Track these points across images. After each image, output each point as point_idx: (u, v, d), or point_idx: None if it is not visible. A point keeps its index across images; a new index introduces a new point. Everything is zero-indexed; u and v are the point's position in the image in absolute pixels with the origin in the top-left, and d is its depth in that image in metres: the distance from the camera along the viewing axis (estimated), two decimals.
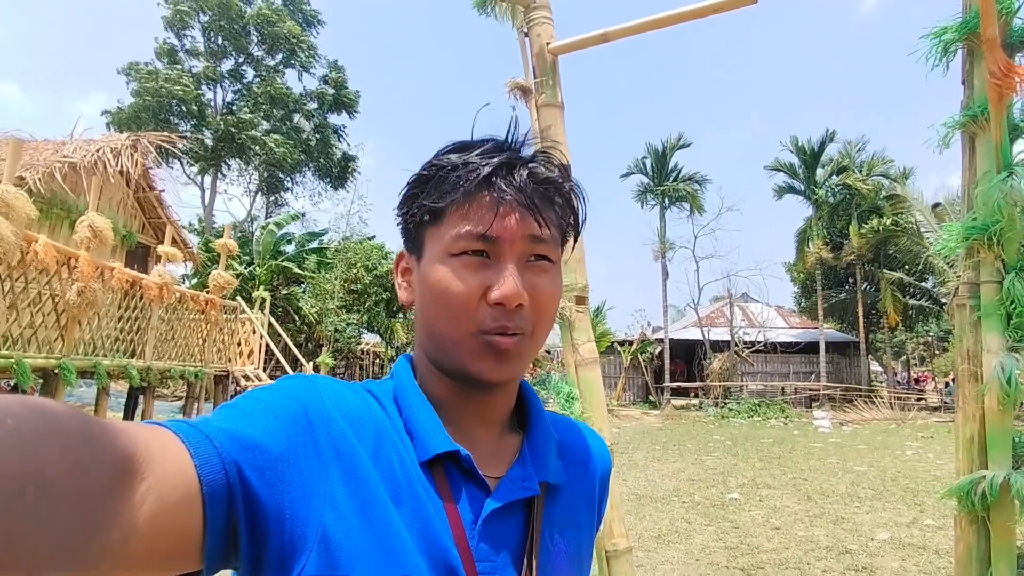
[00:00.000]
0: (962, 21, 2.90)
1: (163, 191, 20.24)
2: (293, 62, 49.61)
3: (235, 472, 0.74)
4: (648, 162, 40.03)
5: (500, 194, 0.97)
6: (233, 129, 44.55)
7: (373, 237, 33.81)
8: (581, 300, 3.66)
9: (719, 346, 38.29)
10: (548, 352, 31.96)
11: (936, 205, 30.02)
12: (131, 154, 17.40)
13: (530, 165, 1.02)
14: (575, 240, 1.13)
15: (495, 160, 0.99)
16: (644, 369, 38.44)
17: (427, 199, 1.00)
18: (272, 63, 49.31)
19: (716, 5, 3.16)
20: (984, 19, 2.52)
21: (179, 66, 46.17)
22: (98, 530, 0.58)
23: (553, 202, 1.03)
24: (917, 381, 48.20)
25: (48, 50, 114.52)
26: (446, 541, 0.89)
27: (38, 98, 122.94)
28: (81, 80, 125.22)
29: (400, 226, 1.09)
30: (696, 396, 36.96)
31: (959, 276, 3.00)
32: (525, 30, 3.97)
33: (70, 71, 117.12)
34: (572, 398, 3.51)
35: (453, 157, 1.01)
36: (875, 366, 48.01)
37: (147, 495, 0.63)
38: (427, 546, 0.87)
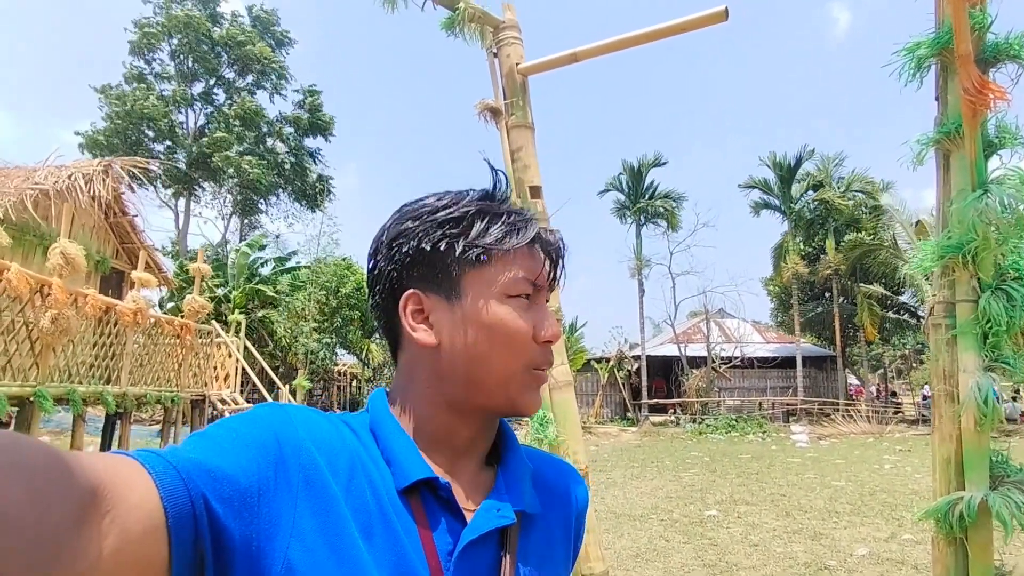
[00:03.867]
0: (935, 37, 2.88)
1: (136, 216, 20.16)
2: (265, 83, 49.58)
3: (202, 503, 0.73)
4: (624, 179, 40.14)
5: (547, 248, 1.10)
6: (206, 150, 44.47)
7: (347, 258, 33.68)
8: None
9: (696, 362, 38.36)
10: None
11: (917, 223, 30.26)
12: (103, 179, 17.30)
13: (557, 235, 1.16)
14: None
15: (529, 218, 1.11)
16: (621, 386, 38.42)
17: (475, 240, 1.03)
18: (243, 84, 49.25)
19: (683, 24, 3.16)
20: (957, 35, 2.51)
21: (148, 88, 46.04)
22: (62, 563, 0.56)
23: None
24: (894, 394, 48.35)
25: (35, 77, 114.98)
26: (421, 573, 0.88)
27: (23, 124, 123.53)
28: (67, 108, 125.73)
29: (416, 263, 1.06)
30: (674, 412, 36.90)
31: (934, 295, 2.98)
32: (495, 51, 3.95)
33: (56, 99, 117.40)
34: (546, 421, 3.47)
35: (499, 208, 1.08)
36: (852, 380, 48.21)
37: (111, 528, 0.62)
38: None
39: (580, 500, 1.24)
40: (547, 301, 1.12)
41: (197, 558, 0.73)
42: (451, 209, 1.05)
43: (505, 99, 3.87)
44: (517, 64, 3.83)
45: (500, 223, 1.05)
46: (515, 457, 1.12)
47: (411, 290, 1.07)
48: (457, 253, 1.03)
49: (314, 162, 51.33)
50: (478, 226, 1.04)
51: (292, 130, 49.83)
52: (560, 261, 1.12)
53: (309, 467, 0.87)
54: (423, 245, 1.04)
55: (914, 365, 49.79)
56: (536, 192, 3.82)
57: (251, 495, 0.79)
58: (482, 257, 1.03)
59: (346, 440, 0.96)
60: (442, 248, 1.04)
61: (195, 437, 0.83)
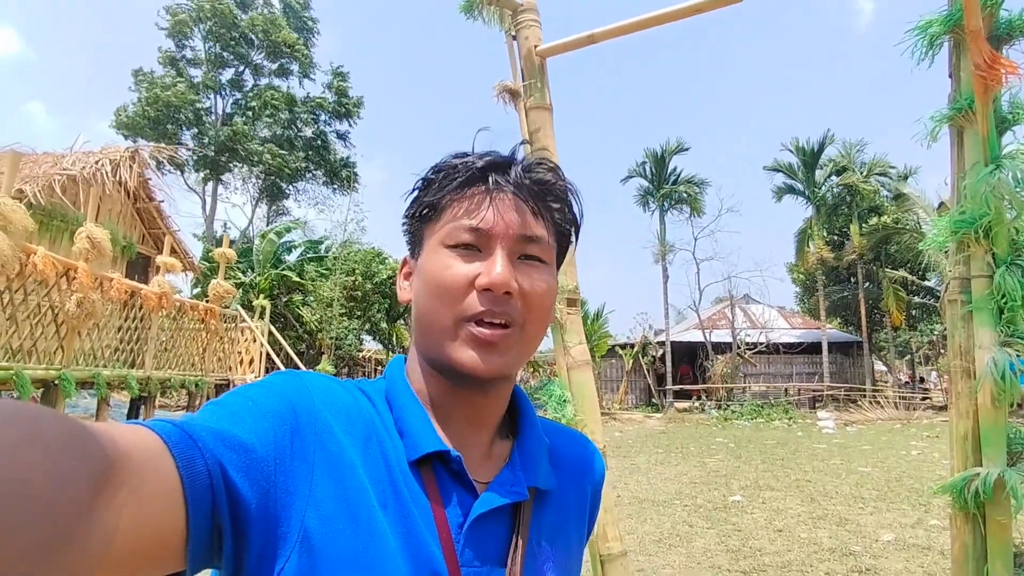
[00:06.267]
0: (947, 14, 2.87)
1: (162, 201, 20.30)
2: (292, 69, 49.64)
3: (219, 473, 0.73)
4: (647, 166, 40.04)
5: (494, 187, 1.01)
6: (231, 139, 44.59)
7: (376, 249, 33.80)
8: (572, 302, 3.63)
9: (721, 348, 38.15)
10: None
11: (940, 205, 30.02)
12: (129, 165, 17.44)
13: (524, 165, 1.06)
14: (575, 241, 1.16)
15: (490, 158, 1.04)
16: (646, 372, 38.31)
17: (426, 196, 1.05)
18: (270, 70, 49.32)
19: (700, 4, 3.14)
20: (968, 11, 2.49)
21: (180, 76, 46.26)
22: (79, 534, 0.56)
23: (547, 203, 1.06)
24: (922, 380, 47.92)
25: (74, 72, 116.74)
26: (431, 545, 0.88)
27: (62, 118, 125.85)
28: (104, 102, 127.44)
29: (405, 231, 1.13)
30: (699, 398, 36.71)
31: (950, 271, 2.97)
32: (513, 33, 3.96)
33: (94, 93, 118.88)
34: (564, 401, 3.47)
35: (453, 161, 1.05)
36: (879, 365, 47.85)
37: (128, 499, 0.62)
38: (412, 549, 0.87)
39: (597, 474, 1.24)
40: (529, 253, 1.02)
41: (214, 528, 0.73)
42: (428, 172, 1.08)
43: (523, 81, 3.88)
44: (535, 46, 3.83)
45: (447, 170, 1.04)
46: (531, 431, 1.11)
47: (407, 256, 1.14)
48: (413, 212, 1.08)
49: (344, 145, 51.37)
50: (430, 179, 1.06)
51: (319, 114, 49.81)
52: (527, 202, 1.02)
53: (325, 435, 0.87)
54: (405, 213, 1.11)
55: (941, 351, 49.33)
56: None
57: (267, 464, 0.80)
58: (426, 211, 1.05)
59: (362, 408, 0.97)
60: (408, 213, 1.10)
61: (211, 406, 0.84)
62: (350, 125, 51.83)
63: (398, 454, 0.94)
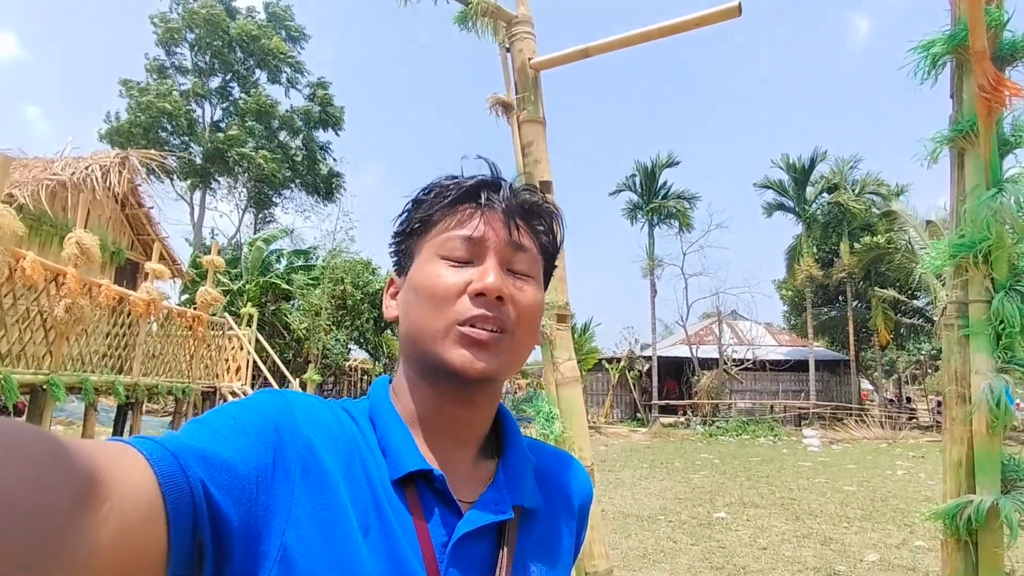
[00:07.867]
0: (951, 33, 2.85)
1: (152, 208, 20.25)
2: (279, 78, 49.78)
3: (200, 491, 0.73)
4: (637, 179, 40.22)
5: (485, 203, 1.05)
6: (221, 145, 44.65)
7: (365, 260, 33.86)
8: (562, 318, 3.61)
9: (707, 364, 38.25)
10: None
11: (929, 223, 30.16)
12: (119, 171, 17.40)
13: (513, 188, 1.09)
14: (553, 263, 1.18)
15: (480, 177, 1.08)
16: (632, 386, 38.38)
17: (417, 213, 1.08)
18: (257, 79, 49.46)
19: (698, 19, 3.13)
20: (972, 31, 2.47)
21: (168, 81, 46.32)
22: (60, 551, 0.55)
23: (532, 223, 1.10)
24: (909, 400, 48.11)
25: (71, 76, 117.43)
26: (414, 564, 0.88)
27: (58, 122, 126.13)
28: (101, 105, 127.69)
29: (393, 251, 1.15)
30: (684, 414, 36.80)
31: (947, 295, 2.95)
32: (507, 45, 3.94)
33: (91, 98, 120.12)
34: (552, 417, 3.45)
35: (444, 181, 1.09)
36: (866, 384, 48.00)
37: (109, 514, 0.61)
38: (394, 568, 0.86)
39: (584, 493, 1.23)
40: (514, 266, 1.05)
41: (196, 545, 0.73)
42: (419, 192, 1.11)
43: (517, 94, 3.86)
44: (529, 59, 3.82)
45: (438, 189, 1.08)
46: (516, 450, 1.11)
47: (392, 275, 1.18)
48: (402, 228, 1.11)
49: (325, 156, 51.44)
50: (422, 199, 1.09)
51: (303, 123, 49.94)
52: (516, 217, 1.05)
53: (307, 455, 0.87)
54: (395, 232, 1.14)
55: (928, 371, 49.61)
56: (547, 187, 3.81)
57: (249, 482, 0.79)
58: (417, 226, 1.08)
59: (345, 427, 0.97)
60: (397, 229, 1.13)
61: (193, 424, 0.83)
62: (335, 132, 52.00)
63: (381, 473, 0.94)
